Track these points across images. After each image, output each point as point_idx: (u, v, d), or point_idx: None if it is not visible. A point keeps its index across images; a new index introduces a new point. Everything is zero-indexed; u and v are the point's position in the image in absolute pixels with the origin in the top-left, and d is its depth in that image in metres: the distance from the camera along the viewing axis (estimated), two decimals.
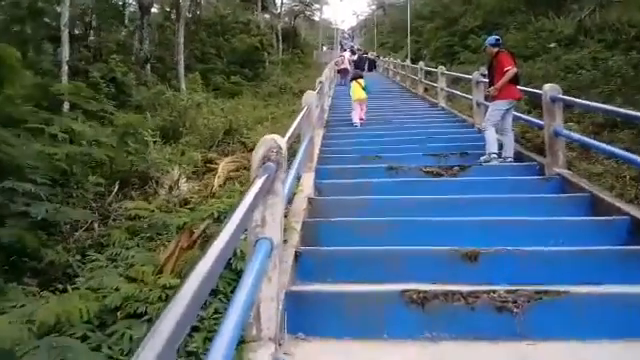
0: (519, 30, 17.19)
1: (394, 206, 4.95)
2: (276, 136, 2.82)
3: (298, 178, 5.66)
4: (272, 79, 22.99)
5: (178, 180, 5.74)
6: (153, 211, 4.21)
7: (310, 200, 5.06)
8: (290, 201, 4.80)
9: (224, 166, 6.35)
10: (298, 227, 4.16)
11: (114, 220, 4.72)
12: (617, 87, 8.42)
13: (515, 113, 6.91)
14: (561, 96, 5.95)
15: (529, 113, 9.13)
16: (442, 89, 12.47)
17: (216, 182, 5.82)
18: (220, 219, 3.81)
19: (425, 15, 35.88)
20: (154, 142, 7.10)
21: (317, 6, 47.01)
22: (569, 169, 5.73)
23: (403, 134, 8.75)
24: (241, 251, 2.93)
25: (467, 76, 11.33)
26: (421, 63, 16.72)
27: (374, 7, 76.46)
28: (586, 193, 4.85)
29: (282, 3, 41.79)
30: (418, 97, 15.60)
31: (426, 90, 15.67)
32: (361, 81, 10.56)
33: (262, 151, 2.74)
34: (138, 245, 3.52)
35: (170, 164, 6.42)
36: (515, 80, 6.62)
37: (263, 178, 2.52)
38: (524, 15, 18.94)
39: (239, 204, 2.11)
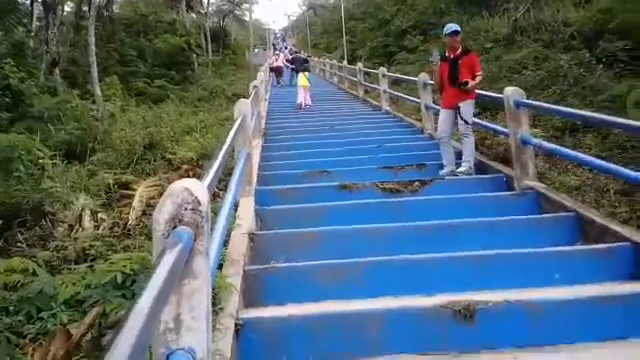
0: None
1: (353, 240, 4.09)
2: (191, 183, 1.81)
3: (235, 206, 4.66)
4: (202, 82, 21.41)
5: (81, 215, 4.53)
6: (34, 273, 3.03)
7: (252, 237, 4.06)
8: (226, 242, 3.80)
9: (142, 192, 5.19)
10: (238, 282, 3.16)
11: None
12: (568, 87, 8.08)
13: (477, 120, 6.28)
14: (527, 100, 5.36)
15: (477, 115, 8.68)
16: (385, 91, 11.84)
17: (132, 216, 4.67)
18: (126, 286, 2.73)
19: (357, 16, 35.67)
20: (53, 164, 5.76)
21: (247, 6, 45.50)
22: (541, 181, 5.15)
23: (351, 143, 7.94)
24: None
25: (411, 78, 10.77)
26: (359, 64, 16.11)
27: (304, 8, 76.09)
28: (570, 212, 4.23)
29: (209, 2, 40.01)
30: (359, 100, 14.94)
31: (366, 92, 15.05)
32: (306, 74, 14.55)
33: (169, 209, 1.71)
34: None
35: (73, 192, 5.15)
36: None
37: (173, 255, 1.52)
38: (458, 15, 18.89)
39: (134, 306, 1.14)
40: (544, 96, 8.28)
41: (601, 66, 8.18)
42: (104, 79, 14.85)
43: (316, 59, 31.42)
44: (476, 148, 6.32)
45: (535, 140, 5.14)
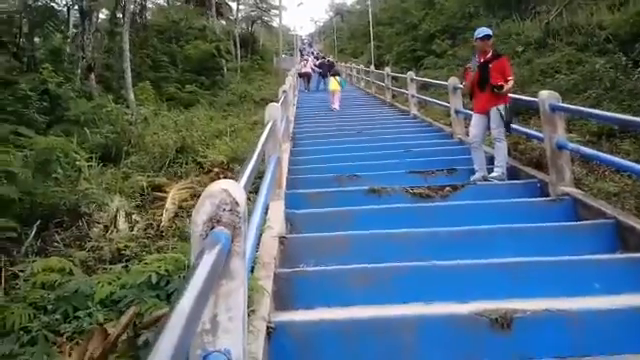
0: None
1: (384, 245, 4.05)
2: (229, 184, 1.82)
3: (265, 209, 4.69)
4: (231, 87, 21.71)
5: (115, 217, 4.62)
6: (70, 272, 3.10)
7: (282, 240, 4.08)
8: (257, 244, 3.83)
9: (174, 194, 5.27)
10: (269, 285, 3.17)
11: (25, 281, 3.56)
12: (603, 91, 7.85)
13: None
14: (562, 104, 5.23)
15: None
16: (413, 96, 11.75)
17: (165, 217, 4.74)
18: (160, 286, 2.77)
19: (384, 21, 35.57)
20: (89, 166, 5.91)
21: (275, 12, 45.96)
22: (577, 187, 5.01)
23: (379, 147, 7.89)
24: None
25: (440, 82, 10.67)
26: (387, 69, 16.04)
27: (332, 14, 76.49)
28: (609, 219, 4.09)
29: (238, 9, 40.56)
30: (387, 104, 14.87)
31: (394, 97, 14.98)
32: (337, 78, 14.62)
33: (207, 209, 1.73)
34: (35, 339, 2.40)
35: (108, 194, 5.27)
36: None
37: (212, 256, 1.52)
38: (487, 19, 18.64)
39: (175, 307, 1.15)
40: (579, 100, 8.07)
41: (639, 69, 7.91)
42: (137, 84, 15.21)
43: (342, 64, 31.45)
44: (509, 153, 6.22)
45: (572, 145, 5.00)
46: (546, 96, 5.20)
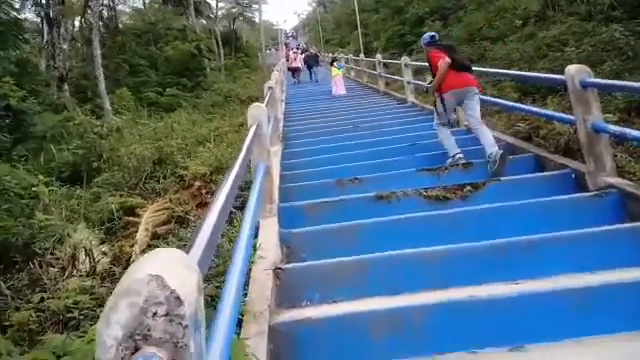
0: (478, 10, 16.00)
1: (405, 268, 3.25)
2: (166, 261, 1.04)
3: (256, 230, 3.90)
4: (215, 87, 20.76)
5: (74, 255, 3.81)
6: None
7: (277, 273, 3.27)
8: (246, 282, 3.04)
9: (148, 219, 4.47)
10: (263, 346, 2.39)
11: None
12: (622, 62, 7.08)
13: (529, 107, 5.41)
14: (598, 80, 4.47)
15: (519, 101, 7.81)
16: (409, 82, 10.93)
17: (137, 249, 3.94)
18: None
19: (370, 7, 34.63)
20: (51, 191, 5.10)
21: (256, 7, 44.79)
22: (621, 176, 4.24)
23: (381, 142, 7.08)
24: None
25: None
26: (378, 56, 15.22)
27: (314, 5, 75.39)
28: None
29: (217, 6, 39.41)
30: (380, 93, 14.05)
31: (387, 84, 14.18)
32: (335, 64, 16.30)
33: (123, 318, 0.96)
34: None
35: (71, 223, 4.46)
36: (457, 67, 5.44)
37: None
38: None
39: None
40: (595, 74, 7.29)
41: None
42: (114, 91, 14.29)
43: (330, 55, 30.54)
44: (529, 139, 5.58)
45: (612, 127, 4.22)
46: (575, 71, 4.44)
